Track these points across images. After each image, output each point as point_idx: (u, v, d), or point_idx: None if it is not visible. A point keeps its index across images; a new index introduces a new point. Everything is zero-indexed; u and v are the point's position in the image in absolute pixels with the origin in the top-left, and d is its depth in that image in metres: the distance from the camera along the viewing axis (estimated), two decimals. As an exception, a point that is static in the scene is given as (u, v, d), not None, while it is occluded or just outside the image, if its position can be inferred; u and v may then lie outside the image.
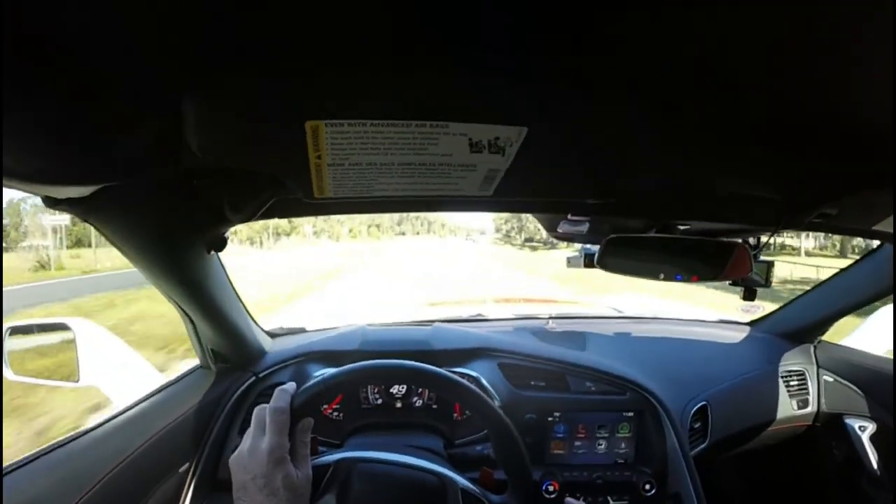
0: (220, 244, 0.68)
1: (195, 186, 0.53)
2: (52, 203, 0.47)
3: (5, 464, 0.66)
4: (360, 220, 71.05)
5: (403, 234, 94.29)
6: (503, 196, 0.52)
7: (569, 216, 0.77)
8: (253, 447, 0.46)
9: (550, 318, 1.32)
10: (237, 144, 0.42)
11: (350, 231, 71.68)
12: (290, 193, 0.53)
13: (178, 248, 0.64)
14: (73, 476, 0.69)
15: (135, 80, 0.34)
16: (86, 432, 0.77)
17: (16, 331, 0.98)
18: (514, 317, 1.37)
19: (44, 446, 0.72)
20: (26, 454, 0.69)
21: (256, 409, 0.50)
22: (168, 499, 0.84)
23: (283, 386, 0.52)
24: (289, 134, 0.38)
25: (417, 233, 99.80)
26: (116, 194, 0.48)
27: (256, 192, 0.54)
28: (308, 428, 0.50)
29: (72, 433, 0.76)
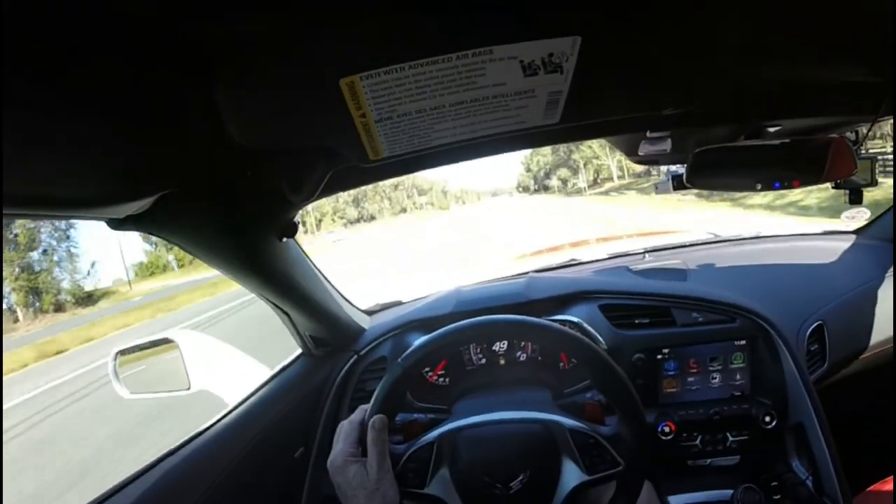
0: (292, 230, 0.67)
1: (250, 176, 0.52)
2: (115, 224, 0.47)
3: (122, 478, 0.68)
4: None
5: (371, 219, 40.38)
6: (572, 121, 0.48)
7: (647, 134, 0.72)
8: (328, 458, 0.56)
9: (646, 251, 1.26)
10: (276, 121, 0.40)
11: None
12: (346, 162, 0.51)
13: (249, 242, 0.64)
14: (193, 478, 0.71)
15: (161, 84, 0.33)
16: (197, 435, 0.79)
17: (123, 353, 1.05)
18: (608, 256, 1.32)
19: (160, 455, 0.73)
20: (136, 469, 0.69)
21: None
22: (287, 482, 0.87)
23: (363, 405, 0.60)
24: (325, 97, 0.36)
25: (405, 209, 46.58)
26: (175, 202, 0.48)
27: (311, 167, 0.53)
28: (381, 427, 0.55)
29: (186, 437, 0.77)
